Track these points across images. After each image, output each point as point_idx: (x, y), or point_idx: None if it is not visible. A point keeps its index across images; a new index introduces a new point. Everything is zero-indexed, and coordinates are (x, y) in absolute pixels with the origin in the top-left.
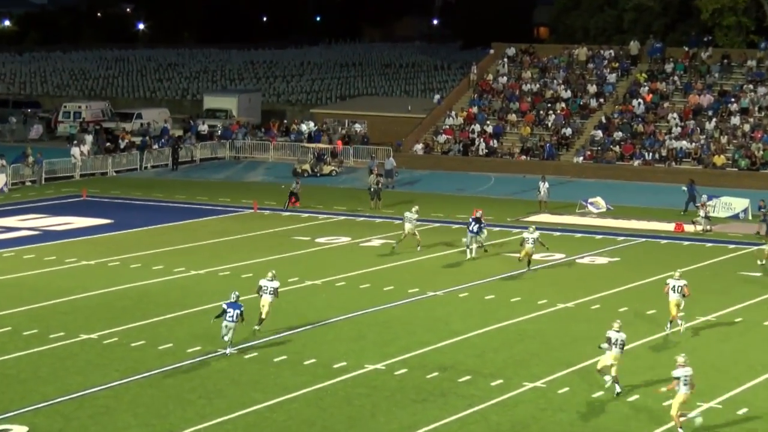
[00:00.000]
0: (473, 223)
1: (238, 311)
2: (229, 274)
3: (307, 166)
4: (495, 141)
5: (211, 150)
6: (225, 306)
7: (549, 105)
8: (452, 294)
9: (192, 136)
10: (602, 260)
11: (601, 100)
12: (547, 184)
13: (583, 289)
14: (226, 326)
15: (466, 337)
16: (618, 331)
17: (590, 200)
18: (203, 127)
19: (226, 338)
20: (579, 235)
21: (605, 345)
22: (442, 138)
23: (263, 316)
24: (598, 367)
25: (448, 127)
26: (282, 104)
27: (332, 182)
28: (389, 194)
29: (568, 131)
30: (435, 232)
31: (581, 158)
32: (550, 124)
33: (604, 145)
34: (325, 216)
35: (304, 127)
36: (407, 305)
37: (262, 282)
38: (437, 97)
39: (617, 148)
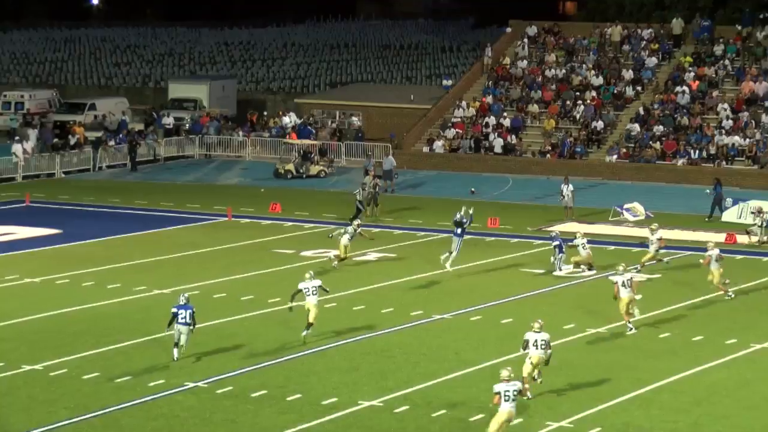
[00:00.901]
0: (458, 226)
1: (189, 311)
2: (199, 293)
3: (290, 166)
4: (513, 136)
5: (178, 147)
6: (175, 309)
7: (577, 94)
8: (462, 317)
9: (155, 131)
10: (640, 277)
11: (639, 88)
12: (571, 187)
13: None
14: (178, 330)
15: (480, 368)
16: (539, 332)
17: (626, 206)
18: (168, 120)
19: (175, 350)
20: (612, 247)
21: (524, 350)
22: (450, 133)
23: (311, 320)
24: (524, 374)
25: (458, 120)
26: (261, 93)
27: (321, 185)
28: (388, 199)
29: (600, 125)
30: (443, 244)
31: (615, 156)
32: (578, 117)
33: (642, 141)
34: (312, 225)
35: (287, 120)
36: (409, 330)
37: (302, 285)
38: (447, 83)
39: (657, 145)
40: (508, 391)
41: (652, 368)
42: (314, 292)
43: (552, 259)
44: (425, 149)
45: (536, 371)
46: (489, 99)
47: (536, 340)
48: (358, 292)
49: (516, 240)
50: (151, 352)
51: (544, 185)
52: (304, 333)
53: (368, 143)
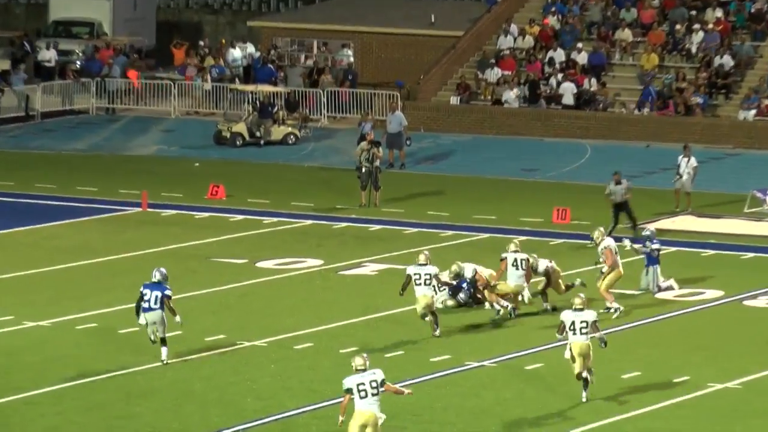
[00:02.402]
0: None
1: (158, 294)
2: (97, 326)
3: (241, 128)
4: (592, 80)
5: (64, 97)
6: (143, 289)
7: (692, 14)
8: (508, 365)
9: (26, 71)
10: None
11: None
12: (693, 161)
13: (754, 356)
14: (145, 320)
15: None
16: (580, 310)
17: None
18: (48, 55)
19: (152, 338)
20: (749, 255)
21: (559, 335)
22: (493, 74)
23: (429, 318)
24: (575, 370)
25: (505, 54)
26: (195, 12)
27: (288, 156)
28: (395, 178)
29: (728, 62)
30: (481, 250)
31: (752, 112)
32: (694, 50)
33: None
34: (275, 220)
35: (236, 55)
36: (432, 385)
37: (412, 269)
38: None
39: None
40: (364, 384)
41: None
42: (428, 282)
43: (645, 272)
44: (453, 100)
45: (584, 367)
46: (554, 21)
47: (574, 323)
48: (348, 324)
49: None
50: (20, 418)
51: (641, 157)
52: (436, 333)
53: (364, 91)
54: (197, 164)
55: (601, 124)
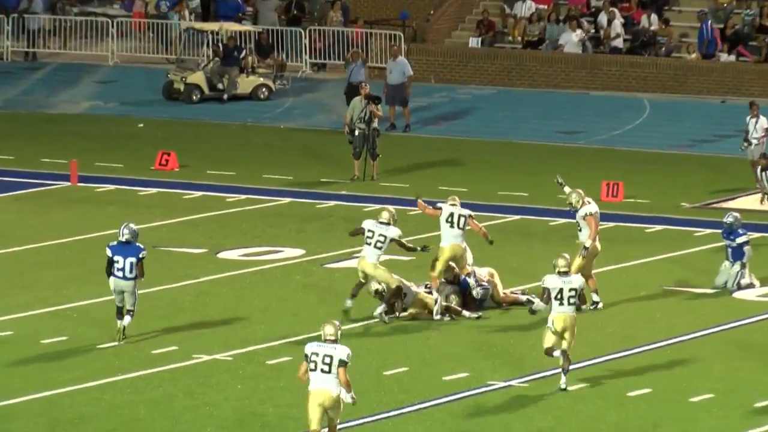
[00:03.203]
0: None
1: (132, 260)
2: (13, 334)
3: (198, 78)
4: (652, 16)
5: None
6: (110, 252)
7: None
8: (544, 384)
9: None
10: None
11: None
12: (764, 121)
13: None
14: (116, 287)
15: None
16: (565, 273)
17: None
18: None
19: (119, 321)
20: None
21: (544, 304)
22: (524, 7)
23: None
24: (546, 344)
25: None
26: None
27: (260, 115)
28: (398, 144)
29: None
30: (507, 236)
31: None
32: None
33: None
34: (243, 197)
35: None
36: (447, 412)
37: (368, 223)
38: None
39: None
40: (317, 355)
41: None
42: (379, 245)
43: (724, 265)
44: (473, 43)
45: (570, 343)
46: None
47: (562, 291)
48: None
49: (656, 227)
50: None
51: (714, 114)
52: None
53: (357, 30)
54: (141, 125)
55: (663, 74)
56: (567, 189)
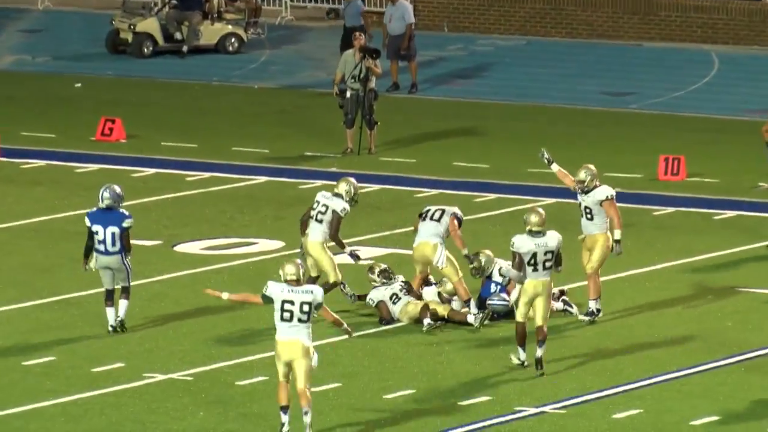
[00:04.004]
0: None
1: (115, 230)
2: None
3: (150, 26)
4: None
5: None
6: (89, 221)
7: None
8: (585, 411)
9: None
10: None
11: None
12: None
13: None
14: (99, 266)
15: None
16: (539, 233)
17: None
18: None
19: (108, 287)
20: None
21: (517, 271)
22: None
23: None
24: (518, 318)
25: None
26: None
27: (228, 72)
28: (402, 108)
29: None
30: None
31: None
32: None
33: None
34: (207, 176)
35: None
36: None
37: (320, 195)
38: None
39: None
40: (293, 303)
41: None
42: (319, 217)
43: None
44: None
45: (545, 317)
46: None
47: (536, 255)
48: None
49: (727, 213)
50: None
51: None
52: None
53: None
54: (79, 85)
55: (736, 21)
56: (555, 167)
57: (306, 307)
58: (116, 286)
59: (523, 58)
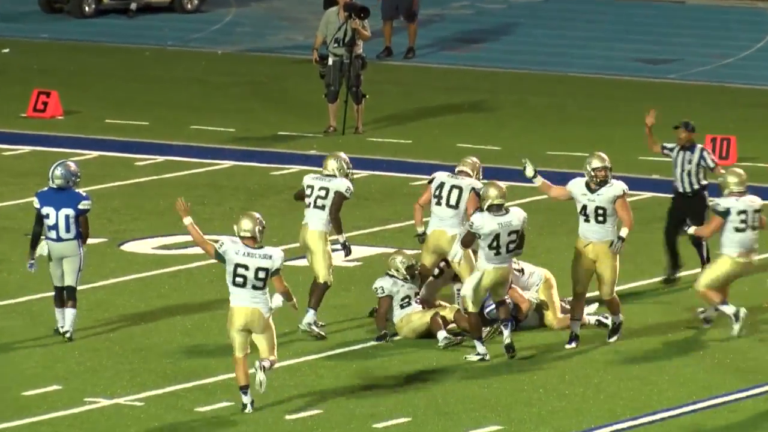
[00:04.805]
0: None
1: (70, 212)
2: None
3: None
4: None
5: None
6: (38, 202)
7: None
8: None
9: None
10: None
11: None
12: None
13: None
14: (50, 256)
15: None
16: (500, 211)
17: None
18: None
19: (60, 316)
20: None
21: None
22: None
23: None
24: (468, 306)
25: None
26: None
27: (185, 35)
28: (396, 79)
29: None
30: (557, 216)
31: None
32: None
33: None
34: (160, 159)
35: None
36: None
37: (309, 179)
38: None
39: None
40: (247, 268)
41: None
42: (319, 203)
43: None
44: None
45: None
46: None
47: (499, 236)
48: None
49: None
50: None
51: None
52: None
53: None
54: (7, 50)
55: None
56: (538, 180)
57: (262, 274)
58: (66, 281)
59: (541, 18)
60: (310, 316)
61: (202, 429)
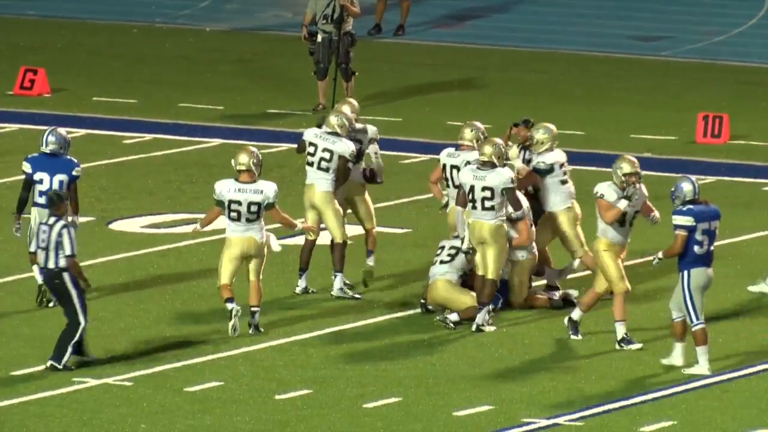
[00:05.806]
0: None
1: (64, 178)
2: None
3: None
4: None
5: None
6: (28, 167)
7: None
8: (604, 423)
9: None
10: None
11: None
12: None
13: None
14: (38, 223)
15: None
16: (484, 167)
17: None
18: None
19: (36, 272)
20: None
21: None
22: None
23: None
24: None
25: None
26: None
27: (174, 12)
28: (386, 56)
29: None
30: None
31: None
32: None
33: None
34: (149, 137)
35: None
36: None
37: (310, 134)
38: None
39: None
40: (240, 204)
41: None
42: (323, 164)
43: None
44: None
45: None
46: None
47: (473, 189)
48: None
49: None
50: None
51: None
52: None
53: None
54: None
55: None
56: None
57: (254, 208)
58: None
59: None
60: (338, 281)
61: (191, 408)
